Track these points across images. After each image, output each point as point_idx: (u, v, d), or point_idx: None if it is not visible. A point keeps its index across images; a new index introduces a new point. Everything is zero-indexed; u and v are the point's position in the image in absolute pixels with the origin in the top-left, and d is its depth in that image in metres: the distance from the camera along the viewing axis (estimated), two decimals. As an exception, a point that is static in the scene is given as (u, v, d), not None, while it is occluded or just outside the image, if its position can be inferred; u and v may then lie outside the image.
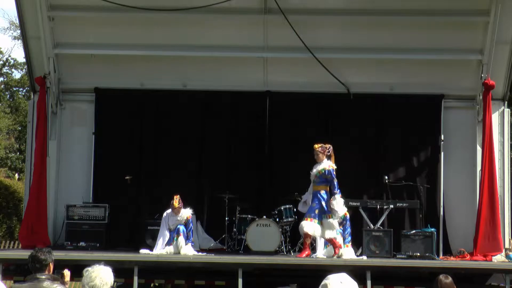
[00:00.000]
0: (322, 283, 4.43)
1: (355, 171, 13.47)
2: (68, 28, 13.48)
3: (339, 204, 11.05)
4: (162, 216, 11.81)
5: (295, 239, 12.54)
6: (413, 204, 12.86)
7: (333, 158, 11.26)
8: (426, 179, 13.46)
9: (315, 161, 11.28)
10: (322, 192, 11.12)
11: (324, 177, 11.12)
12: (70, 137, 13.91)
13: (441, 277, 6.86)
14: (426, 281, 9.98)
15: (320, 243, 11.57)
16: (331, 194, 11.12)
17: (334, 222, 11.08)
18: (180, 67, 13.75)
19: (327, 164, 11.14)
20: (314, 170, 11.21)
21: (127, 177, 13.12)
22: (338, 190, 11.06)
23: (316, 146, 11.25)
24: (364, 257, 11.53)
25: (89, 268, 5.48)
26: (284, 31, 12.88)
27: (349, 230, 11.51)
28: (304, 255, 11.22)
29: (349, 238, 11.49)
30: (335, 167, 11.18)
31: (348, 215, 11.59)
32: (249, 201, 13.09)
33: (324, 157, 11.19)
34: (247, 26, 13.39)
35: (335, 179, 11.09)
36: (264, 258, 11.32)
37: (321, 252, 11.48)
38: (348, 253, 11.32)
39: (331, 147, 11.25)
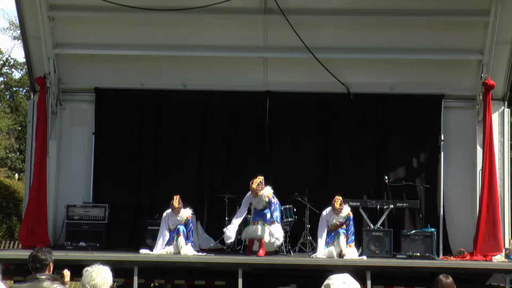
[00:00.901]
0: (325, 283, 4.41)
1: (355, 171, 13.51)
2: (68, 28, 13.48)
3: (279, 232, 11.63)
4: (162, 216, 11.82)
5: (295, 239, 12.57)
6: (413, 204, 12.85)
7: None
8: (426, 179, 13.45)
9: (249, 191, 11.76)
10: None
11: (268, 206, 11.69)
12: (70, 137, 13.90)
13: (441, 277, 6.87)
14: (426, 281, 9.98)
15: (320, 243, 11.57)
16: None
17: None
18: (180, 67, 13.74)
19: (266, 196, 11.65)
20: (259, 205, 11.76)
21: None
22: (276, 218, 11.69)
23: (254, 186, 11.62)
24: (364, 257, 11.56)
25: (89, 268, 5.48)
26: (284, 31, 12.87)
27: (352, 229, 11.60)
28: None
29: (353, 237, 11.60)
30: (272, 191, 11.72)
31: (351, 215, 11.67)
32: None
33: (262, 191, 11.64)
34: (247, 26, 13.38)
35: (273, 206, 11.67)
36: (264, 258, 11.33)
37: (321, 252, 11.48)
38: (351, 253, 11.37)
39: (263, 178, 11.75)
